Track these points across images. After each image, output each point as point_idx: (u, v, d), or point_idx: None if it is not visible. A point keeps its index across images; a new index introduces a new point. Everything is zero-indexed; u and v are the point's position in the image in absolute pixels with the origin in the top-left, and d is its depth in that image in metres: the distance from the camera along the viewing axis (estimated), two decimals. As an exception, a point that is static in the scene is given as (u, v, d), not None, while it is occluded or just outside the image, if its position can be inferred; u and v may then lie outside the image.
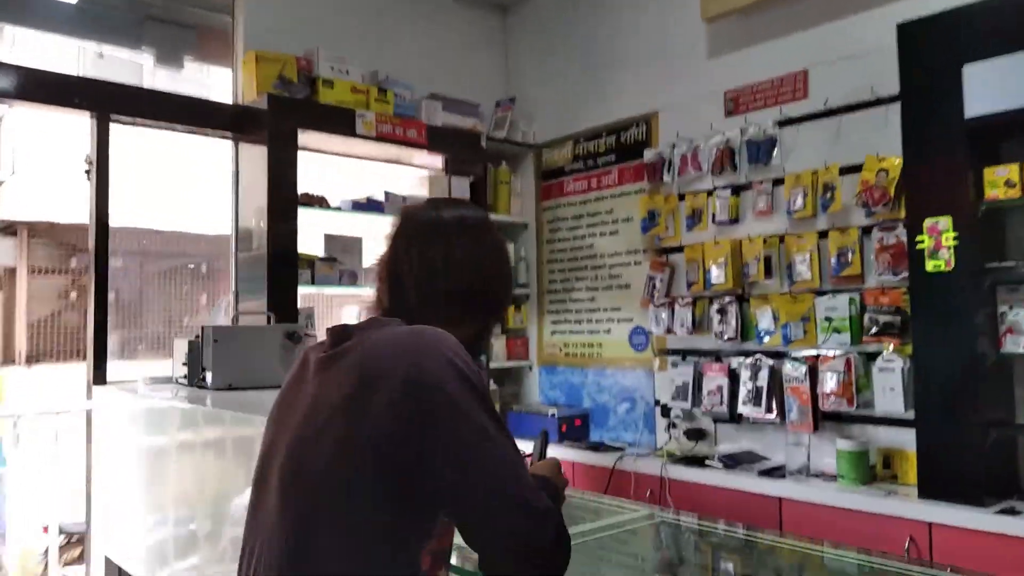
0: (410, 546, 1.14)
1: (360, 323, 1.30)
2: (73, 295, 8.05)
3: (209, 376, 2.70)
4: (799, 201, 3.08)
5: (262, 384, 2.76)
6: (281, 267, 3.27)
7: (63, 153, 4.01)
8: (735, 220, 3.33)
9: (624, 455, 3.46)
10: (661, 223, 3.59)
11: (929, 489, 2.56)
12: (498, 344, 4.13)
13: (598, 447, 3.63)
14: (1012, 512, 2.38)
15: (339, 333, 1.26)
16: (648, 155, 3.67)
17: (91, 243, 3.12)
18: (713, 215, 3.39)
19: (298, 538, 1.13)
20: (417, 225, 1.34)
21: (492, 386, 4.06)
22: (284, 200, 3.31)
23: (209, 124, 3.44)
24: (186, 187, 4.22)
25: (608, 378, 3.87)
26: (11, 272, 7.96)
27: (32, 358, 7.58)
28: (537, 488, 1.12)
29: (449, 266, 1.30)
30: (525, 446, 3.97)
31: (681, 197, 3.55)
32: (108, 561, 2.98)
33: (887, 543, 2.56)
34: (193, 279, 5.44)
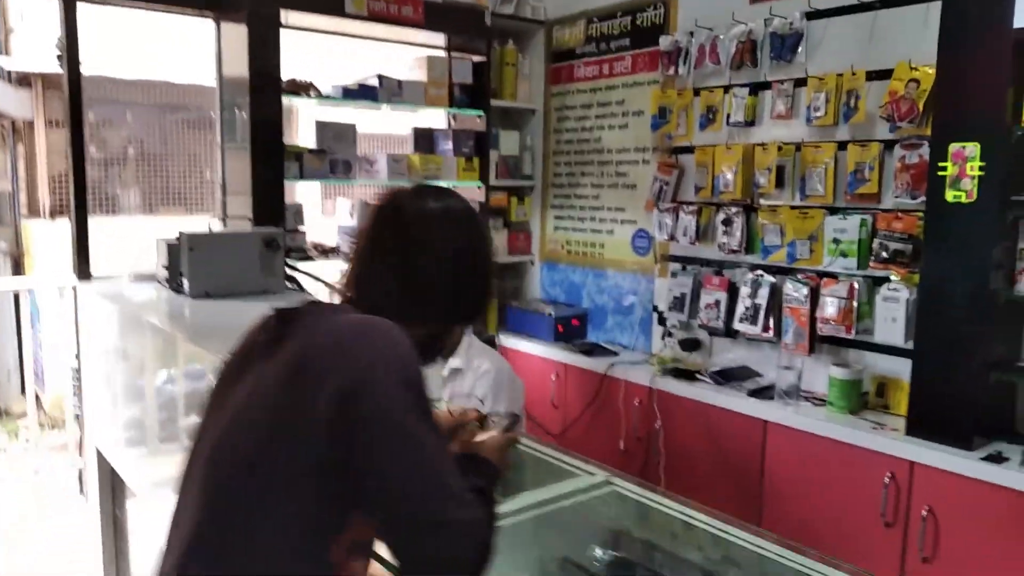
0: (319, 537, 1.10)
1: (307, 305, 1.24)
2: (92, 149, 7.98)
3: (186, 284, 2.65)
4: (820, 107, 2.81)
5: (241, 291, 2.71)
6: (265, 160, 3.13)
7: None
8: (751, 122, 3.07)
9: (616, 362, 3.41)
10: (672, 120, 3.34)
11: (917, 426, 2.47)
12: (500, 237, 4.00)
13: (592, 350, 3.57)
14: (998, 459, 2.29)
15: (284, 316, 1.20)
16: (664, 42, 3.36)
17: (68, 140, 2.97)
18: (728, 115, 3.13)
19: (209, 518, 1.11)
20: (398, 213, 1.26)
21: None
22: (267, 86, 3.11)
23: (186, 2, 3.20)
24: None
25: (608, 280, 3.75)
26: (29, 125, 7.89)
27: (55, 211, 7.65)
28: (466, 500, 1.07)
29: (425, 261, 1.24)
30: (522, 344, 3.82)
31: (696, 93, 3.27)
32: (99, 453, 3.07)
33: (867, 479, 2.52)
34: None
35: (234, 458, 1.12)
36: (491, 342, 3.93)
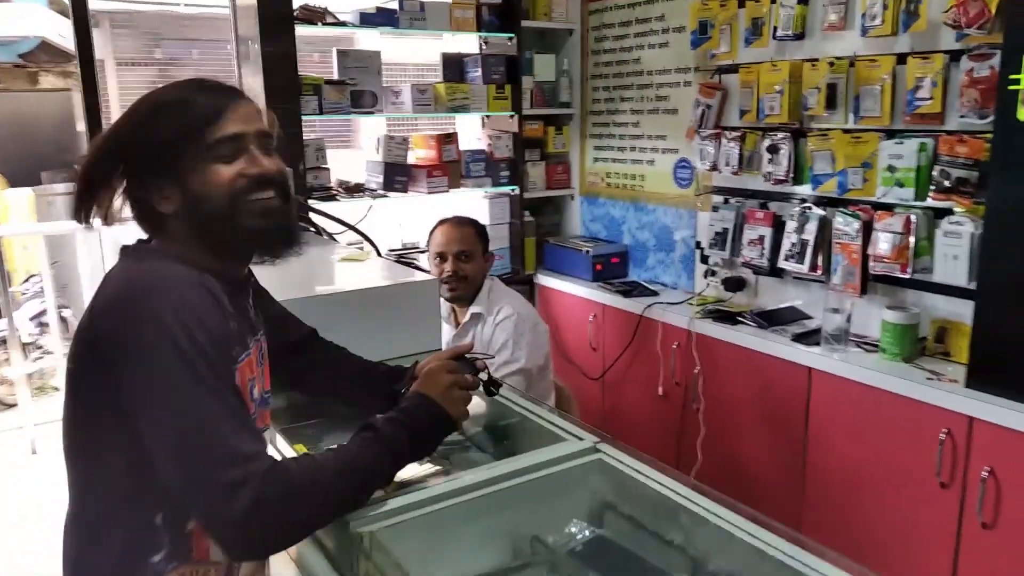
0: (145, 499, 1.10)
1: (129, 246, 1.19)
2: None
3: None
4: (877, 14, 2.46)
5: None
6: (279, 96, 2.99)
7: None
8: (799, 35, 2.74)
9: (655, 303, 3.19)
10: (715, 36, 3.02)
11: (979, 377, 2.19)
12: (536, 171, 3.78)
13: (630, 290, 3.36)
14: (1072, 417, 2.01)
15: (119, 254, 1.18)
16: (707, -51, 3.02)
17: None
18: (775, 28, 2.80)
19: (69, 479, 1.17)
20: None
21: (528, 217, 3.79)
22: (278, 14, 2.95)
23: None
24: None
25: (649, 214, 3.51)
26: (100, 64, 7.99)
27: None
28: (235, 457, 0.99)
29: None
30: (560, 284, 3.67)
31: (740, 4, 2.94)
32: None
33: (921, 434, 2.27)
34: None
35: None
36: (528, 281, 3.77)
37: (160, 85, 1.20)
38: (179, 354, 1.00)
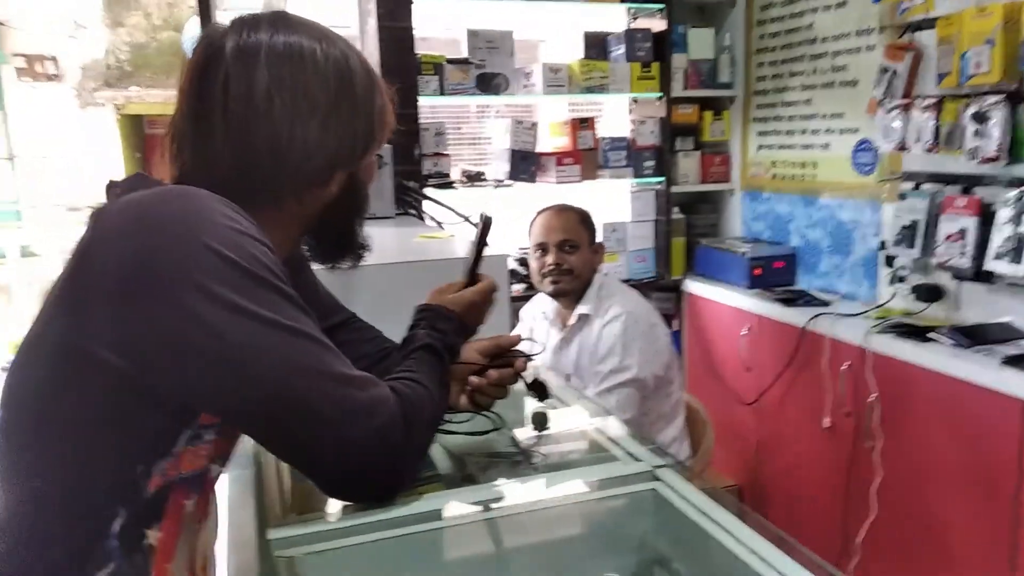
0: (128, 465, 0.83)
1: (123, 180, 0.92)
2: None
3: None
4: None
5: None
6: (395, 75, 2.78)
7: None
8: (1020, -30, 2.11)
9: (821, 314, 2.62)
10: (907, -15, 2.43)
11: None
12: (689, 162, 3.31)
13: (795, 299, 2.79)
14: None
15: (106, 192, 0.92)
16: None
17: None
18: (986, -34, 2.19)
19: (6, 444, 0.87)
20: (218, 52, 0.90)
21: (677, 214, 3.32)
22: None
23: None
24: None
25: (822, 209, 2.92)
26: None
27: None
28: (350, 379, 0.83)
29: (249, 113, 0.88)
30: (711, 291, 3.18)
31: (941, -59, 2.34)
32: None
33: None
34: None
35: (17, 376, 0.86)
36: (675, 287, 3.30)
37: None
38: (243, 283, 0.79)
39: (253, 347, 0.79)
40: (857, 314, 2.57)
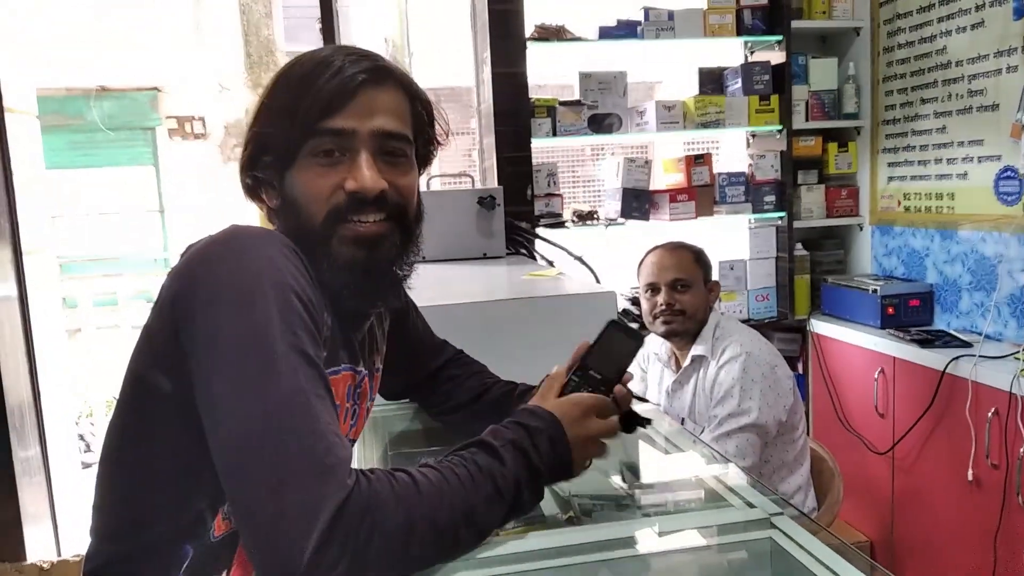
0: (194, 504, 0.89)
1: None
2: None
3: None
4: None
5: (455, 255, 2.46)
6: (507, 119, 2.83)
7: None
8: None
9: (963, 355, 2.42)
10: (1052, 0, 2.26)
11: None
12: (812, 196, 3.16)
13: (932, 340, 2.59)
14: None
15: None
16: None
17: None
18: None
19: (99, 479, 0.95)
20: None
21: (800, 251, 3.17)
22: (508, 34, 2.82)
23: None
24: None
25: (961, 243, 2.71)
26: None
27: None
28: (319, 470, 0.73)
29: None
30: (838, 332, 3.05)
31: (1092, -49, 2.16)
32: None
33: None
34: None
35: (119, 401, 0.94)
36: (800, 328, 3.15)
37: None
38: (252, 325, 0.79)
39: (244, 405, 0.76)
40: (1004, 356, 2.35)
